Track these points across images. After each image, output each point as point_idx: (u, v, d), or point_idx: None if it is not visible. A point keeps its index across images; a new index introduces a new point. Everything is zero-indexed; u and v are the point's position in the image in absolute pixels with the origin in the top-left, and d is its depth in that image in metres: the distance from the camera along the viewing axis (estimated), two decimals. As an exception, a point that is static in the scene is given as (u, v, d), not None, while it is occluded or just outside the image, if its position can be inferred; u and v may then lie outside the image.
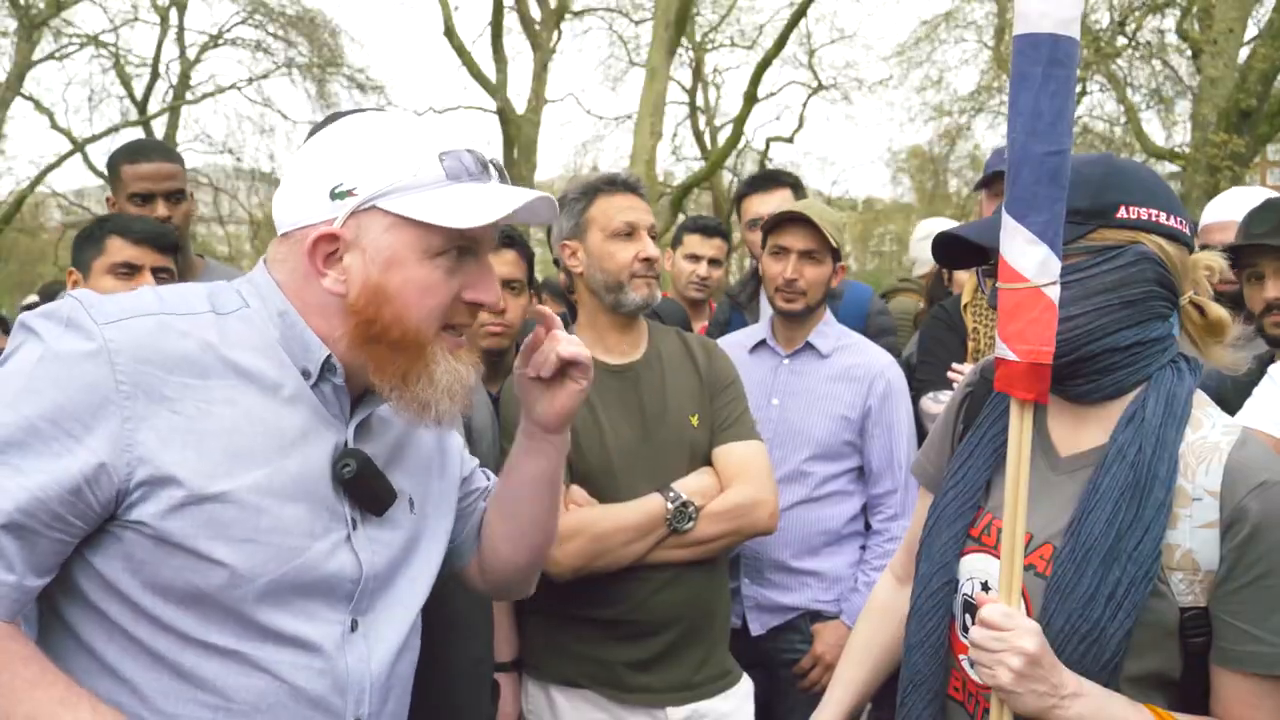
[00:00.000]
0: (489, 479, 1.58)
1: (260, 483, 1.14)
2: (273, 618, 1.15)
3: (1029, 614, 1.29)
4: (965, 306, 2.88)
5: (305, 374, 1.20)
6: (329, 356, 1.20)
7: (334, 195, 1.17)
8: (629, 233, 2.12)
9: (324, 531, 1.20)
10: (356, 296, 1.17)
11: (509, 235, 2.46)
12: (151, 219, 2.51)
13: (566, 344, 1.35)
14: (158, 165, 2.76)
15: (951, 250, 1.45)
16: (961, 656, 1.42)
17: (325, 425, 1.22)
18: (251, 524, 1.13)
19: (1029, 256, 1.24)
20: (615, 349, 2.18)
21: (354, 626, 1.24)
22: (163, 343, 1.11)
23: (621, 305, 2.14)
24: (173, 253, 2.41)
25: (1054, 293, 1.24)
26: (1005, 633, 1.21)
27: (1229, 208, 2.74)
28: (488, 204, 1.18)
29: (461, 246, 1.21)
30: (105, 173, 3.01)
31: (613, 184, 2.17)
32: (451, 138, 1.22)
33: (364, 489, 1.23)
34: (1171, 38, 15.94)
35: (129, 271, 2.30)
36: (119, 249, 2.31)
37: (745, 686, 2.21)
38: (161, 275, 2.34)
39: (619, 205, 2.14)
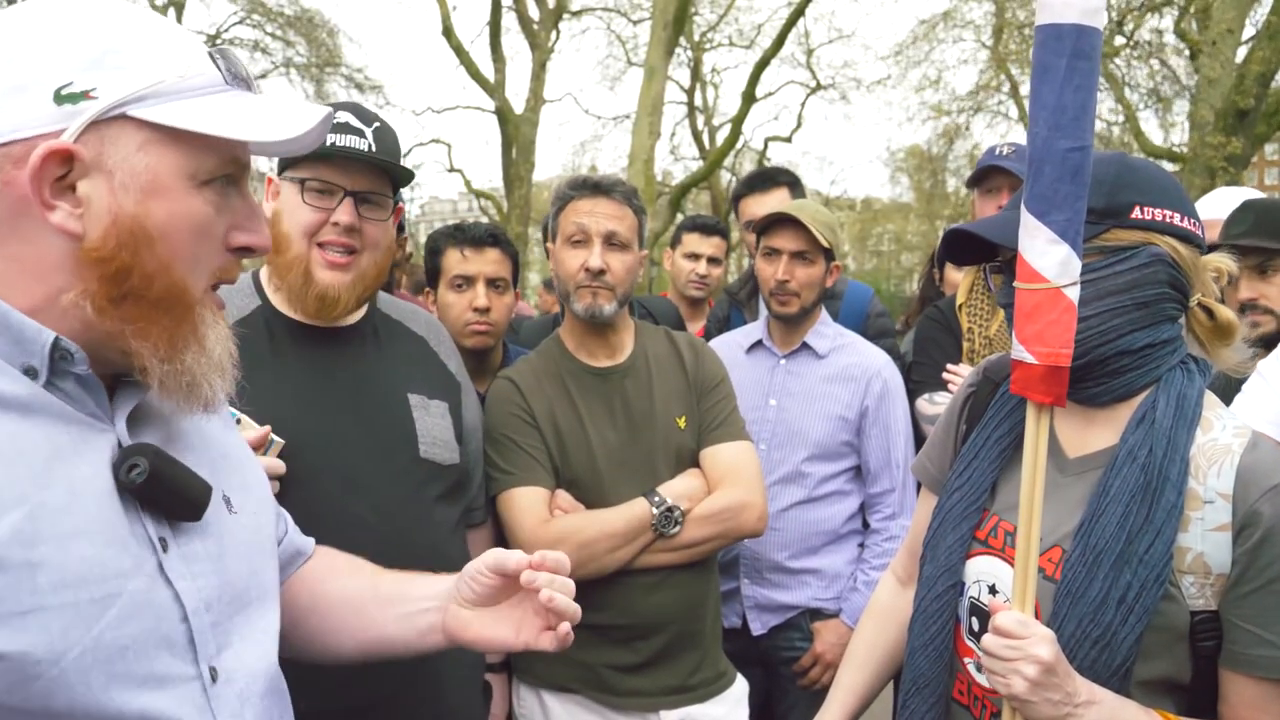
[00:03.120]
0: (287, 523, 1.30)
1: (21, 529, 0.83)
2: (111, 699, 0.86)
3: (1037, 617, 1.27)
4: (960, 307, 2.86)
5: (30, 372, 0.89)
6: (56, 340, 0.89)
7: (60, 98, 0.86)
8: (580, 240, 2.09)
9: (134, 566, 0.90)
10: (103, 237, 0.88)
11: (493, 234, 2.45)
12: None
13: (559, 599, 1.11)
14: None
15: (956, 246, 1.44)
16: (967, 660, 1.40)
17: (83, 430, 0.91)
18: (28, 587, 0.82)
19: (1050, 256, 1.21)
20: (597, 353, 2.17)
21: (214, 676, 0.96)
22: None
23: (575, 314, 2.12)
24: None
25: (1074, 293, 1.22)
26: (1020, 640, 1.19)
27: (1215, 207, 2.75)
28: (284, 115, 0.95)
29: (229, 175, 0.96)
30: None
31: (581, 187, 2.13)
32: (203, 42, 0.97)
33: (166, 491, 0.94)
34: (1170, 38, 15.96)
35: None
36: None
37: (739, 690, 2.20)
38: None
39: (579, 210, 2.11)
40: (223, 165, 0.94)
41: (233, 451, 1.13)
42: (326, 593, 1.26)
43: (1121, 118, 17.50)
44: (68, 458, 0.89)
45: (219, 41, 20.90)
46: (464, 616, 1.17)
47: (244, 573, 1.04)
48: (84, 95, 0.87)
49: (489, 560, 1.15)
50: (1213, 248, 2.15)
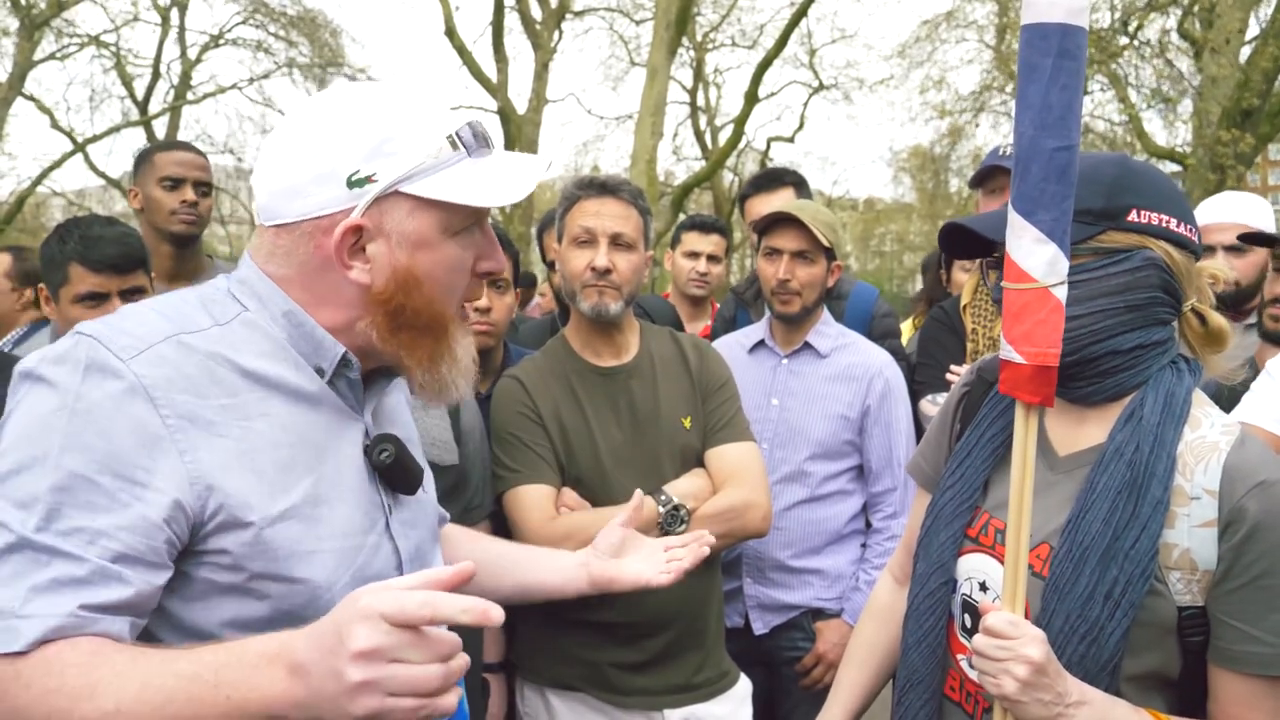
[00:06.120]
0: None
1: (312, 491, 1.12)
2: None
3: (1027, 615, 1.28)
4: (964, 308, 2.87)
5: (319, 371, 1.18)
6: (345, 353, 1.18)
7: (351, 183, 1.12)
8: (586, 240, 2.11)
9: (370, 525, 1.19)
10: (385, 285, 1.15)
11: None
12: (111, 234, 2.32)
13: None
14: (192, 155, 3.00)
15: (955, 241, 1.44)
16: (960, 656, 1.41)
17: (347, 418, 1.20)
18: (314, 534, 1.11)
19: (1037, 256, 1.21)
20: (603, 352, 2.18)
21: None
22: (188, 367, 1.07)
23: (581, 313, 2.14)
24: (139, 268, 2.31)
25: (1062, 293, 1.22)
26: (1010, 641, 1.20)
27: (1221, 210, 2.72)
28: (510, 178, 1.17)
29: (473, 223, 1.21)
30: (132, 167, 3.18)
31: (587, 187, 2.14)
32: (449, 113, 1.21)
33: (400, 471, 1.23)
34: (1173, 37, 15.93)
35: (95, 302, 2.21)
36: (81, 278, 2.22)
37: (743, 689, 2.20)
38: (132, 297, 2.22)
39: (585, 210, 2.12)
40: (468, 218, 1.19)
41: (415, 439, 1.40)
42: (472, 551, 1.53)
43: (1125, 118, 17.46)
44: (338, 438, 1.18)
45: (221, 42, 20.94)
46: (610, 565, 1.54)
47: (427, 537, 1.32)
48: (368, 180, 1.12)
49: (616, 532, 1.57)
50: (1271, 237, 2.23)
